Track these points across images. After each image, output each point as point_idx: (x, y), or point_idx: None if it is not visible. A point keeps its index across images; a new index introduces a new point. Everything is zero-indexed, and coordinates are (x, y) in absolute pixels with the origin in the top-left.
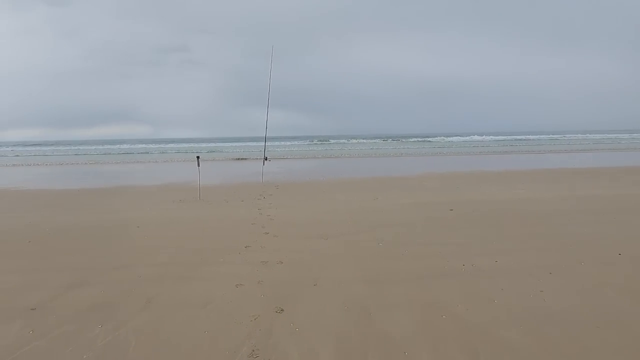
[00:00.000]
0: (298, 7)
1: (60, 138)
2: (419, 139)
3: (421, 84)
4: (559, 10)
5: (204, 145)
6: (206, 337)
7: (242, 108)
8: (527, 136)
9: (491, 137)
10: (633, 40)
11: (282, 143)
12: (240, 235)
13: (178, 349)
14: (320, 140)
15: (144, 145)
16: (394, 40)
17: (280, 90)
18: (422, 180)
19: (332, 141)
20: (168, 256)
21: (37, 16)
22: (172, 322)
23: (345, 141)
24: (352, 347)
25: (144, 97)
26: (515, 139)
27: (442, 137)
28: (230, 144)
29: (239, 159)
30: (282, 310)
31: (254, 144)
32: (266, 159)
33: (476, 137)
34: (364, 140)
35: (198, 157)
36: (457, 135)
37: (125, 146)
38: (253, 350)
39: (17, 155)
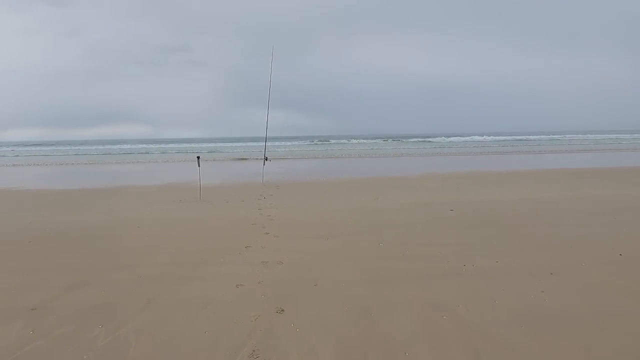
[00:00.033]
0: (298, 7)
1: (60, 138)
2: (420, 139)
3: (421, 84)
4: (560, 10)
5: (204, 145)
6: (206, 337)
7: (242, 108)
8: (528, 136)
9: (491, 137)
10: (634, 40)
11: (283, 143)
12: (241, 236)
13: (178, 349)
14: (321, 141)
15: (144, 146)
16: (394, 40)
17: (281, 90)
18: (423, 180)
19: (332, 141)
20: (168, 256)
21: (37, 16)
22: (172, 323)
23: (346, 141)
24: (352, 348)
25: (145, 97)
26: (516, 139)
27: (443, 137)
28: (231, 144)
29: (239, 159)
30: (282, 310)
31: (255, 144)
32: (267, 159)
33: (476, 138)
34: (365, 141)
35: (198, 157)
36: (457, 136)
37: (125, 146)
38: (254, 351)
39: (17, 155)
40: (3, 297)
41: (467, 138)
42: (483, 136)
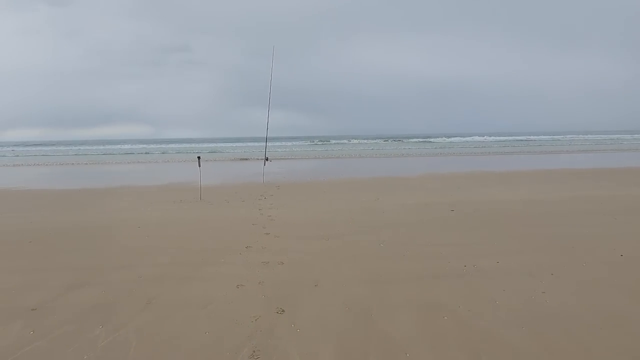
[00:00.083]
0: (298, 7)
1: (60, 138)
2: (420, 140)
3: (422, 84)
4: (561, 11)
5: (204, 145)
6: (207, 337)
7: (242, 108)
8: (528, 137)
9: (492, 137)
10: (635, 40)
11: (283, 143)
12: (241, 236)
13: (179, 349)
14: (321, 141)
15: (144, 146)
16: (394, 40)
17: (281, 90)
18: (424, 180)
19: (333, 141)
20: (169, 256)
21: (37, 16)
22: (172, 323)
23: (346, 141)
24: (353, 348)
25: (145, 97)
26: (516, 140)
27: (443, 138)
28: (231, 144)
29: (240, 159)
30: (283, 310)
31: (255, 144)
32: (267, 159)
33: (477, 138)
34: (365, 141)
35: (199, 158)
36: (458, 136)
37: (126, 146)
38: (254, 351)
39: (17, 155)
40: (3, 297)
41: (468, 138)
42: (484, 136)
